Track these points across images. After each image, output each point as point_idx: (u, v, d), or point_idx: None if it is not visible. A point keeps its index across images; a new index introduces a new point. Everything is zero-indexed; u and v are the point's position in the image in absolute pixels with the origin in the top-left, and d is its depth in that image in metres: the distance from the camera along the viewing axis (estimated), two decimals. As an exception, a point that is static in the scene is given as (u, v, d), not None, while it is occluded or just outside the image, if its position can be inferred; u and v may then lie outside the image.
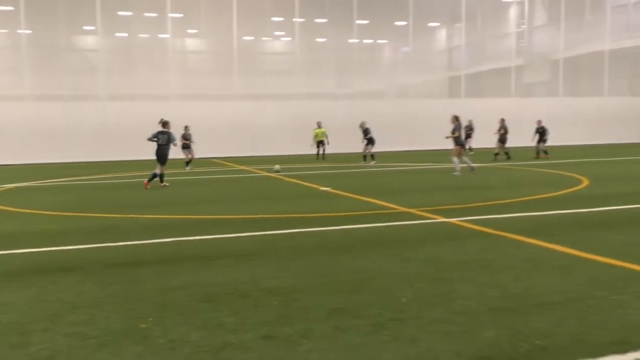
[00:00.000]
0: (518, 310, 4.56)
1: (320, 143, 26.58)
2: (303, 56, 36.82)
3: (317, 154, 26.73)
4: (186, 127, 22.66)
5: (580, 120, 35.69)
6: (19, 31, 31.75)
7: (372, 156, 22.46)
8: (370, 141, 22.56)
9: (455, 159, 16.68)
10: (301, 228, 8.51)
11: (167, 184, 15.00)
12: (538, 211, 9.60)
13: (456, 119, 16.85)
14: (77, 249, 7.36)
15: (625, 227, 8.09)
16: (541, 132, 23.65)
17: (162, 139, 14.67)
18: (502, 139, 23.66)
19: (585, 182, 13.84)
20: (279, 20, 40.03)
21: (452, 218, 9.03)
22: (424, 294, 5.08)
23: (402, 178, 17.20)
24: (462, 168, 16.74)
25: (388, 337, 4.07)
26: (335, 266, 6.17)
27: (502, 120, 24.13)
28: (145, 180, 14.79)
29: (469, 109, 34.43)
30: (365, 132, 22.67)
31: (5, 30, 36.79)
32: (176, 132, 16.60)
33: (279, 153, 30.28)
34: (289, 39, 40.67)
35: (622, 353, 3.68)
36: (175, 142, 15.02)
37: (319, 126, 26.95)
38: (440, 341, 3.98)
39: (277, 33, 41.94)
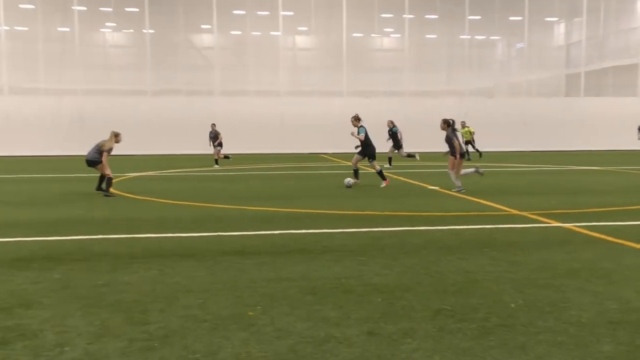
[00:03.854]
0: None
1: (468, 142, 25.21)
2: (412, 53, 36.44)
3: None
4: (213, 125, 22.68)
5: None
6: (144, 31, 33.82)
7: None
8: None
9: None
10: (408, 226, 8.43)
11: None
12: (663, 219, 8.91)
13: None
14: (191, 236, 7.75)
15: None
16: None
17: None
18: None
19: None
20: (388, 16, 39.83)
21: (566, 223, 8.59)
22: (533, 301, 4.87)
23: (512, 178, 16.57)
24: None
25: (495, 343, 3.94)
26: (441, 266, 6.06)
27: None
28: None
29: (588, 109, 32.64)
30: None
31: (131, 30, 39.30)
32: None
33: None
34: (398, 35, 40.37)
35: None
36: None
37: (463, 126, 25.45)
38: (552, 351, 3.80)
39: (386, 29, 41.77)
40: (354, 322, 4.35)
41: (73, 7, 32.39)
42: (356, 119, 14.22)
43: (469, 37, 37.12)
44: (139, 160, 24.37)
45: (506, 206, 10.37)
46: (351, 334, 4.10)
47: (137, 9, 35.01)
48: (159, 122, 31.04)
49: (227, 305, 4.75)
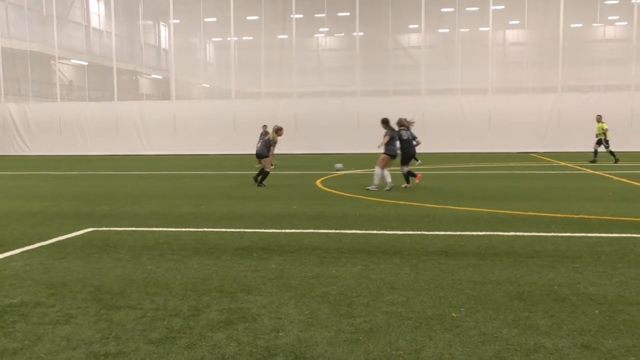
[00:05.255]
0: None
1: (600, 142, 21.62)
2: (640, 42, 32.83)
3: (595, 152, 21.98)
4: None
5: None
6: (354, 34, 35.10)
7: None
8: None
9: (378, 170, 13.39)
10: (632, 233, 7.65)
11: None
12: None
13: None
14: (396, 234, 7.86)
15: None
16: None
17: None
18: None
19: None
20: (613, 3, 36.38)
21: None
22: None
23: None
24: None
25: None
26: (672, 280, 5.39)
27: None
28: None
29: None
30: None
31: (342, 34, 41.03)
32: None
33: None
34: (625, 23, 36.67)
35: None
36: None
37: (598, 120, 21.61)
38: None
39: (610, 18, 38.16)
40: (567, 333, 4.07)
41: (292, 16, 34.70)
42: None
43: None
44: (347, 159, 25.32)
45: None
46: (563, 346, 3.85)
47: (348, 13, 36.41)
48: (367, 122, 31.90)
49: (431, 304, 4.74)
